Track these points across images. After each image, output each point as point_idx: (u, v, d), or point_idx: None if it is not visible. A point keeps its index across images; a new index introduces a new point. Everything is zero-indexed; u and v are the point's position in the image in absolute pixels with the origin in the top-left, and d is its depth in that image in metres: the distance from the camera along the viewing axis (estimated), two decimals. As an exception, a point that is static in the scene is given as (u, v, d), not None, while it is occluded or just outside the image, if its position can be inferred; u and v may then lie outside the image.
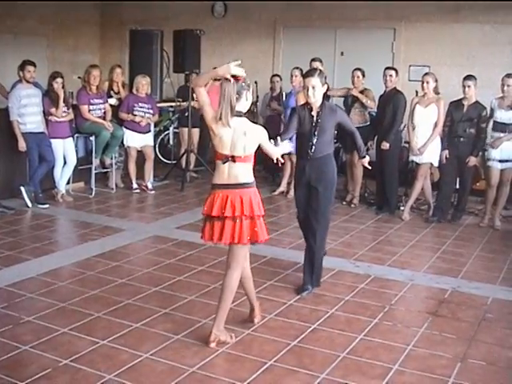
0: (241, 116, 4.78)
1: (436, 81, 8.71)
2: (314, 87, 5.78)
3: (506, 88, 8.43)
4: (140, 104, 10.15)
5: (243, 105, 4.81)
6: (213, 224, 4.81)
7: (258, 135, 4.80)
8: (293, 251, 7.23)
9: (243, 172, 4.75)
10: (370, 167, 6.49)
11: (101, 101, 9.91)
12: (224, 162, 4.73)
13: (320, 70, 5.99)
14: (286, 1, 12.42)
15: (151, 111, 10.30)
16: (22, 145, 8.85)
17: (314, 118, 5.89)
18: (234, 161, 4.71)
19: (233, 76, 4.71)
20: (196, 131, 11.33)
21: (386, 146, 8.98)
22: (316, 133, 5.86)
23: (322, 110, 5.89)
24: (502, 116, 8.48)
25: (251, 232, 4.79)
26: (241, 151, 4.70)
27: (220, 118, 4.72)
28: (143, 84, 10.16)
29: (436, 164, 8.90)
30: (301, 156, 6.11)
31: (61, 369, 4.44)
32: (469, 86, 8.53)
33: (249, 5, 12.89)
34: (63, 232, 8.52)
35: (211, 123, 4.78)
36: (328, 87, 6.08)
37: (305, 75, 5.96)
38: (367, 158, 6.31)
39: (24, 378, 4.26)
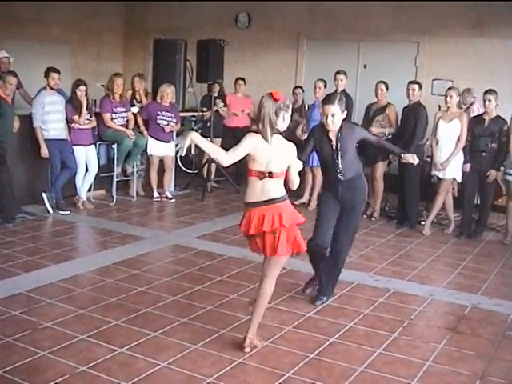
0: (278, 133, 4.81)
1: (459, 95, 8.69)
2: (333, 115, 5.65)
3: None
4: (163, 112, 10.19)
5: (280, 124, 4.79)
6: (255, 240, 4.94)
7: (292, 152, 4.87)
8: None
9: (276, 187, 4.79)
10: (416, 161, 6.18)
11: (123, 109, 9.95)
12: (261, 179, 4.76)
13: (340, 96, 5.79)
14: (309, 12, 12.41)
15: (174, 120, 10.33)
16: (45, 151, 8.91)
17: (334, 143, 5.78)
18: (271, 177, 4.75)
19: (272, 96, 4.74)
20: (218, 141, 11.35)
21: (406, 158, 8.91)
22: (339, 157, 5.77)
23: (341, 133, 5.77)
24: None
25: (293, 243, 4.89)
26: (278, 168, 4.76)
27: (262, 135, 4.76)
28: (168, 93, 10.19)
29: (459, 179, 8.86)
30: (330, 178, 5.99)
31: (78, 375, 4.45)
32: (489, 100, 8.50)
33: (272, 16, 12.94)
34: (83, 239, 8.57)
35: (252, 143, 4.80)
36: (347, 113, 5.99)
37: (324, 102, 5.80)
38: (409, 154, 6.15)
39: None
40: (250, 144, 4.77)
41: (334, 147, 5.77)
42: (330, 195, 5.95)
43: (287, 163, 4.83)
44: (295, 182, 4.99)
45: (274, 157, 4.72)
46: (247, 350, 4.89)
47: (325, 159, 5.90)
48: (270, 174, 4.74)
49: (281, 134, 4.83)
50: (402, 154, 6.13)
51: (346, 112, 5.75)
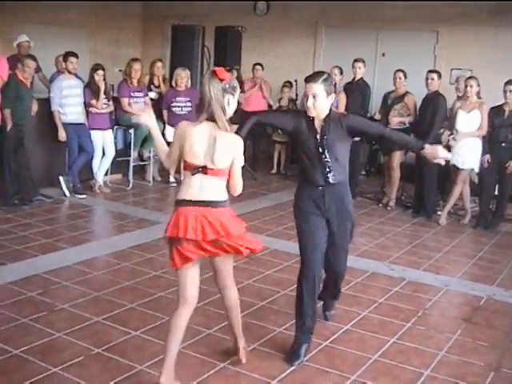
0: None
1: (479, 85, 8.64)
2: (314, 96, 4.52)
3: None
4: (177, 99, 10.16)
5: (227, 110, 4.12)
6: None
7: (236, 145, 4.15)
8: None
9: (217, 188, 4.10)
10: (443, 159, 4.80)
11: (141, 94, 9.99)
12: (193, 174, 4.10)
13: (328, 75, 4.64)
14: (328, 1, 12.38)
15: (190, 104, 10.24)
16: (62, 135, 8.96)
17: (318, 135, 4.63)
18: (206, 173, 4.06)
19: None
20: (234, 128, 11.31)
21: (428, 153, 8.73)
22: (325, 152, 4.62)
23: (327, 123, 4.61)
24: None
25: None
26: (217, 163, 4.05)
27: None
28: (182, 77, 10.15)
29: (477, 170, 8.83)
30: (312, 182, 4.75)
31: (93, 357, 4.51)
32: (510, 91, 8.43)
33: (291, 4, 12.90)
34: (100, 222, 8.65)
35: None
36: (341, 98, 4.80)
37: (306, 79, 4.63)
38: (431, 146, 4.78)
39: (57, 364, 4.34)
40: (177, 136, 4.17)
41: (319, 140, 4.62)
42: (312, 208, 4.76)
43: (230, 158, 4.07)
44: (238, 186, 4.17)
45: (212, 149, 4.00)
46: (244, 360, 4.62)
47: (306, 154, 4.70)
48: (204, 169, 4.03)
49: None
50: (422, 147, 4.74)
51: (332, 96, 4.63)
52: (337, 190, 4.73)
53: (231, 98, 4.08)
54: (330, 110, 4.63)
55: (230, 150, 4.05)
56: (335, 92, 5.02)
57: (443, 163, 4.90)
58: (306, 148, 4.65)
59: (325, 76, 4.57)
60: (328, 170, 4.66)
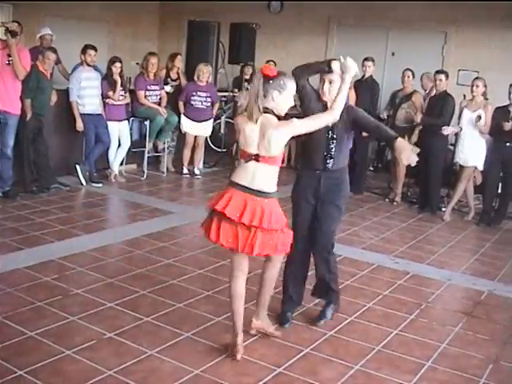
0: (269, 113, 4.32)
1: (485, 86, 8.74)
2: (331, 82, 4.76)
3: None
4: (198, 93, 10.28)
5: (269, 103, 4.29)
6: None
7: (279, 126, 4.28)
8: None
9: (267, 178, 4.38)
10: (412, 162, 4.70)
11: (157, 87, 10.09)
12: (247, 161, 4.34)
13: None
14: (341, 0, 12.47)
15: (209, 99, 10.41)
16: (80, 125, 9.10)
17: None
18: (258, 160, 4.31)
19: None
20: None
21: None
22: (335, 140, 4.85)
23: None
24: None
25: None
26: (266, 151, 4.29)
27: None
28: (204, 72, 10.24)
29: (481, 168, 8.93)
30: (311, 165, 4.97)
31: (105, 341, 4.60)
32: None
33: (304, 2, 12.95)
34: (114, 211, 8.78)
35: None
36: (351, 95, 4.86)
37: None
38: (401, 139, 4.76)
39: (70, 347, 4.43)
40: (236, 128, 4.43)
41: (330, 127, 4.76)
42: (308, 192, 5.00)
43: (282, 144, 4.29)
44: (326, 118, 4.45)
45: (263, 138, 4.24)
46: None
47: (314, 138, 4.78)
48: (257, 157, 4.28)
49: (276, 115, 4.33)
50: (396, 137, 4.78)
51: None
52: (334, 175, 4.96)
53: (276, 93, 4.28)
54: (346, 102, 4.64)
55: (279, 135, 4.24)
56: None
57: (406, 163, 4.80)
58: (314, 132, 4.58)
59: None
60: (329, 156, 4.88)
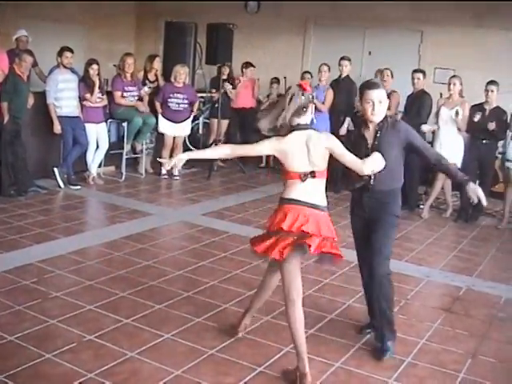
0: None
1: (461, 84, 8.83)
2: (381, 102, 4.57)
3: None
4: (175, 94, 10.31)
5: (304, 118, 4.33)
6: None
7: (326, 141, 4.33)
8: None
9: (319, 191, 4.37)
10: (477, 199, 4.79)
11: (134, 88, 10.10)
12: (303, 180, 4.27)
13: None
14: (317, 0, 12.51)
15: (186, 101, 10.45)
16: (58, 127, 9.06)
17: (370, 140, 4.65)
18: (314, 177, 4.28)
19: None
20: (225, 122, 11.53)
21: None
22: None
23: (382, 129, 4.62)
24: None
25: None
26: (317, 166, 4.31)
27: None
28: (181, 73, 10.30)
29: (458, 165, 8.99)
30: (358, 186, 4.76)
31: (85, 344, 4.59)
32: (492, 91, 8.67)
33: (281, 2, 12.95)
34: (93, 213, 8.74)
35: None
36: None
37: (368, 87, 4.60)
38: (472, 184, 4.80)
39: (50, 350, 4.42)
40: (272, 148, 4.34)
41: (369, 146, 4.62)
42: (359, 214, 4.89)
43: (326, 157, 4.28)
44: (357, 165, 4.32)
45: (310, 154, 4.24)
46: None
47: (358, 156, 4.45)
48: (313, 174, 4.25)
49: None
50: (467, 183, 4.77)
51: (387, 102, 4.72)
52: (378, 196, 4.72)
53: (312, 106, 4.31)
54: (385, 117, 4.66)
55: (323, 147, 4.25)
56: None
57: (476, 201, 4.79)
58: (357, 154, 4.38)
59: (379, 83, 4.75)
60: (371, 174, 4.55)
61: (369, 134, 4.66)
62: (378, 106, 4.54)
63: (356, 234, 5.02)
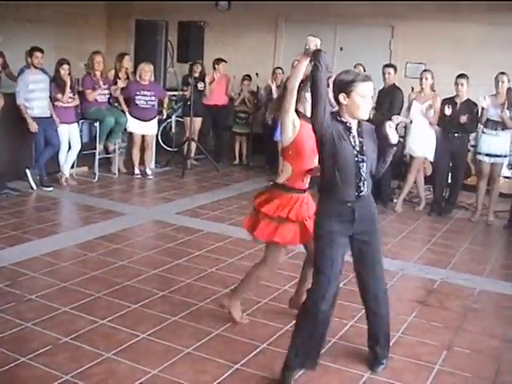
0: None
1: (433, 78, 8.91)
2: (372, 96, 4.17)
3: (500, 85, 8.59)
4: (142, 92, 10.28)
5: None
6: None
7: None
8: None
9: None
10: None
11: (105, 86, 10.06)
12: None
13: None
14: (287, 0, 12.52)
15: (154, 98, 10.42)
16: (34, 126, 8.95)
17: (356, 140, 4.07)
18: None
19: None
20: (198, 120, 11.50)
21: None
22: (364, 161, 4.08)
23: (362, 129, 4.14)
24: (494, 113, 8.61)
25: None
26: None
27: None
28: (146, 71, 10.28)
29: (431, 159, 9.09)
30: (341, 194, 4.09)
31: (61, 346, 4.56)
32: (462, 84, 8.73)
33: (252, 2, 12.96)
34: (66, 214, 8.68)
35: None
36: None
37: (363, 79, 4.07)
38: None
39: (26, 354, 4.38)
40: None
41: (357, 148, 4.06)
42: (340, 225, 4.12)
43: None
44: None
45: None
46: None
47: (344, 163, 4.03)
48: None
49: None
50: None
51: None
52: (366, 202, 4.22)
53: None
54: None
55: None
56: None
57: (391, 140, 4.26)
58: (340, 159, 4.01)
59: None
60: (363, 179, 4.10)
61: (354, 133, 4.09)
62: (369, 102, 4.09)
63: (335, 263, 4.16)
